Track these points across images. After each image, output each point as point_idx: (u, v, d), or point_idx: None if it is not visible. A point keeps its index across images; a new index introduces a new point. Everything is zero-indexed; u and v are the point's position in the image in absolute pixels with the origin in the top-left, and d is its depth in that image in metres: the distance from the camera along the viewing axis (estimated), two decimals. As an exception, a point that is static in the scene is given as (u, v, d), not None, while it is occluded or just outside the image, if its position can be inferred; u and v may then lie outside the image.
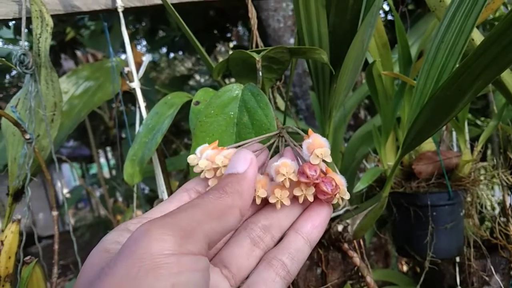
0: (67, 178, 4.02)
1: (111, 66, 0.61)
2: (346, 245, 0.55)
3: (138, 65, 1.79)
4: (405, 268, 1.27)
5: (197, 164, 0.28)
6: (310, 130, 0.28)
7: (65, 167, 3.87)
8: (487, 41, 0.28)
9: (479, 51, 0.29)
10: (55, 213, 0.54)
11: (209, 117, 0.35)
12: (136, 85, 0.51)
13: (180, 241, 0.19)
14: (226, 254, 0.27)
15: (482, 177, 0.67)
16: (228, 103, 0.36)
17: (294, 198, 0.27)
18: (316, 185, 0.26)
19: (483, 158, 0.92)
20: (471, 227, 0.74)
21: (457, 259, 0.73)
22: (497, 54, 0.29)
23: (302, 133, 0.30)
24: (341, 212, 0.55)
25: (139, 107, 0.51)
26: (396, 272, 0.85)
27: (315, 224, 0.27)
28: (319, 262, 0.57)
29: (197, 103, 0.41)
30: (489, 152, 1.07)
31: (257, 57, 0.39)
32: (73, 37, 2.17)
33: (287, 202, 0.27)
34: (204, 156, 0.28)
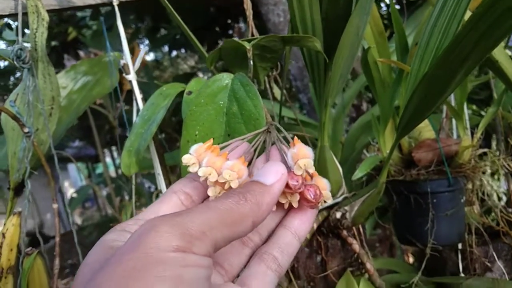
0: (74, 179, 4.05)
1: (108, 60, 0.61)
2: (345, 232, 0.55)
3: (142, 64, 1.79)
4: (411, 260, 1.27)
5: (193, 163, 0.28)
6: (295, 139, 0.29)
7: (72, 167, 3.90)
8: (473, 19, 0.28)
9: (467, 28, 0.29)
10: (55, 205, 0.54)
11: (199, 106, 0.35)
12: (132, 77, 0.51)
13: (187, 244, 0.20)
14: (218, 253, 0.27)
15: (482, 164, 0.66)
16: (218, 93, 0.36)
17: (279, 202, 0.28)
18: (300, 193, 0.27)
19: (487, 147, 0.91)
20: (473, 214, 0.73)
21: (459, 246, 0.73)
22: (484, 32, 0.29)
23: (286, 134, 0.30)
24: (339, 199, 0.55)
25: (136, 99, 0.52)
26: (398, 260, 0.86)
27: (302, 219, 0.28)
28: (318, 250, 0.57)
29: (190, 93, 0.41)
30: (494, 143, 1.06)
31: (248, 45, 0.39)
32: (76, 37, 2.19)
33: (273, 208, 0.28)
34: (204, 163, 0.28)
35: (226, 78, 0.37)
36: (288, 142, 0.30)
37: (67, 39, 2.07)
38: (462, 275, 0.72)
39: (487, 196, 0.77)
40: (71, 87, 0.63)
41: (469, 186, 0.71)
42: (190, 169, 0.28)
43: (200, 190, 0.28)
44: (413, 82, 0.44)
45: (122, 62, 0.52)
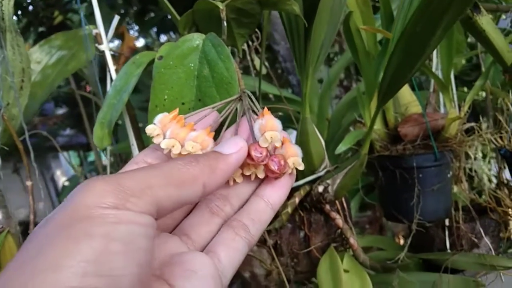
0: (66, 167, 4.00)
1: (83, 34, 0.59)
2: (328, 207, 0.54)
3: (130, 49, 1.74)
4: (402, 241, 1.27)
5: (157, 135, 0.26)
6: (265, 110, 0.27)
7: (64, 155, 3.86)
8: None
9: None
10: (29, 183, 0.52)
11: (168, 69, 0.34)
12: (105, 47, 0.49)
13: (122, 199, 0.18)
14: (186, 224, 0.27)
15: (469, 138, 0.65)
16: (188, 54, 0.34)
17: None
18: (265, 164, 0.26)
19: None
20: (460, 190, 0.73)
21: (447, 222, 0.72)
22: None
23: (256, 108, 0.29)
24: (322, 173, 0.54)
25: (109, 71, 0.50)
26: (385, 238, 0.85)
27: (275, 187, 0.27)
28: (301, 225, 0.56)
29: (161, 57, 0.39)
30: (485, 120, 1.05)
31: (221, 6, 0.37)
32: (63, 22, 2.14)
33: (239, 179, 0.27)
34: (168, 134, 0.26)
35: (197, 39, 0.35)
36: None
37: (53, 23, 2.03)
38: (449, 251, 0.72)
39: (474, 172, 0.76)
40: (46, 62, 0.61)
41: (457, 162, 0.70)
42: (154, 140, 0.27)
43: (163, 160, 0.27)
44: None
45: (94, 31, 0.49)
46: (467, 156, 0.93)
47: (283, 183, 0.27)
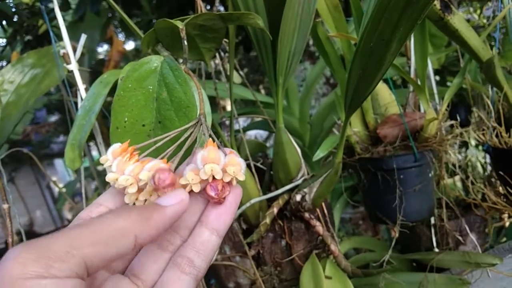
0: (61, 174, 4.00)
1: (54, 51, 0.59)
2: (307, 215, 0.54)
3: (120, 53, 1.72)
4: (397, 235, 1.26)
5: (109, 166, 0.26)
6: (210, 141, 0.27)
7: (59, 163, 3.85)
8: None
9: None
10: (6, 206, 0.52)
11: (127, 91, 0.33)
12: (73, 67, 0.49)
13: (46, 265, 0.18)
14: (135, 262, 0.26)
15: (449, 136, 0.65)
16: (147, 77, 0.34)
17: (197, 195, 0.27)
18: (204, 189, 0.26)
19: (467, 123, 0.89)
20: (445, 187, 0.73)
21: (432, 221, 0.72)
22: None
23: (210, 131, 0.29)
24: (299, 181, 0.54)
25: (79, 90, 0.49)
26: (371, 238, 0.85)
27: (219, 211, 0.27)
28: (283, 234, 0.56)
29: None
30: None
31: (180, 25, 0.37)
32: (48, 30, 2.12)
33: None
34: (113, 167, 0.26)
35: (155, 61, 0.34)
36: (217, 137, 0.29)
37: (38, 32, 2.01)
38: (436, 250, 0.72)
39: (458, 168, 0.76)
40: (19, 81, 0.60)
41: (437, 162, 0.70)
42: (107, 179, 0.26)
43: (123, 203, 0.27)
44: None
45: (62, 51, 0.49)
46: (462, 146, 0.93)
47: (227, 207, 0.27)
